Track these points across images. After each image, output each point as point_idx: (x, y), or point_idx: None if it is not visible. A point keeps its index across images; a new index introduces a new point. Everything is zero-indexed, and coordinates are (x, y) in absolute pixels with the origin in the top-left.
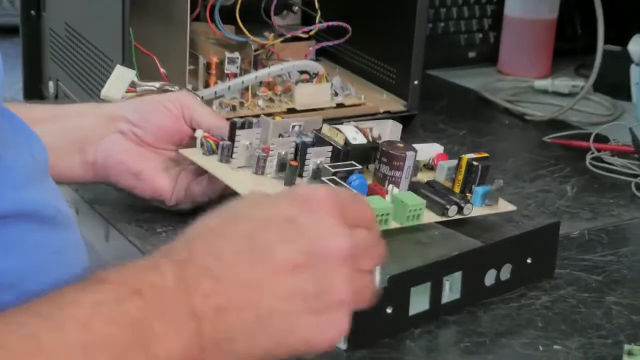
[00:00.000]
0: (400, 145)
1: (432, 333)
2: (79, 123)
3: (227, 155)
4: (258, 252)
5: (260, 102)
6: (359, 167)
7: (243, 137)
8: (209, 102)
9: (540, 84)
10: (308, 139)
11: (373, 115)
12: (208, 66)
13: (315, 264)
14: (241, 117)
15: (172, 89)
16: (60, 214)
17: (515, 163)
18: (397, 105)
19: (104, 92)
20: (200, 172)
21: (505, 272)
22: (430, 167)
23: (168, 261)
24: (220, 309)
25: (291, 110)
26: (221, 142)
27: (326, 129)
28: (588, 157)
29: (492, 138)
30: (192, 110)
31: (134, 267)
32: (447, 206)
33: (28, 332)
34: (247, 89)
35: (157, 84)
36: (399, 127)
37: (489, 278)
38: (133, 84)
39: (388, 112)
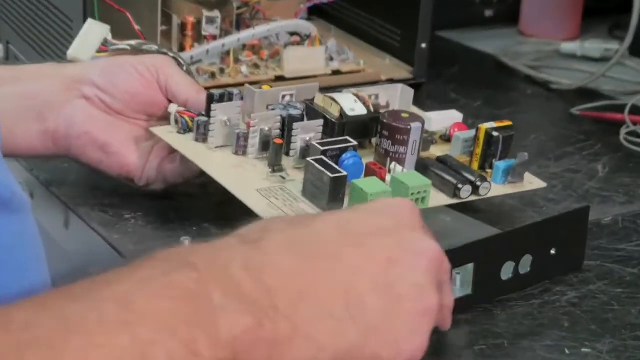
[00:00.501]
0: (405, 115)
1: (442, 334)
2: (36, 86)
3: (203, 133)
4: (351, 239)
5: (244, 69)
6: (354, 143)
7: (220, 112)
8: None
9: (568, 47)
10: (296, 112)
11: (374, 84)
12: (183, 27)
13: (409, 262)
14: (221, 86)
15: (150, 49)
16: (16, 198)
17: (539, 139)
18: (401, 72)
19: (72, 52)
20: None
21: (525, 264)
22: (447, 138)
23: (236, 240)
24: (304, 288)
25: (279, 78)
26: (197, 118)
27: (320, 99)
28: (623, 131)
29: (512, 110)
30: (169, 78)
31: (186, 247)
32: (460, 185)
33: (57, 313)
34: (228, 53)
35: (133, 42)
36: (410, 92)
37: (506, 271)
38: (105, 42)
39: (391, 79)
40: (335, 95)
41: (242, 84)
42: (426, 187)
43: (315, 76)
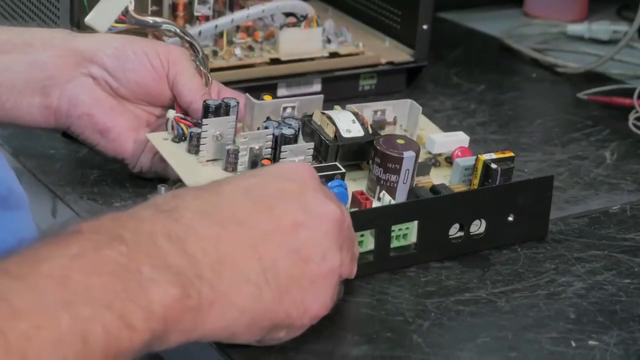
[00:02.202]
0: (401, 141)
1: (443, 326)
2: (44, 58)
3: (195, 145)
4: (260, 205)
5: (238, 51)
6: (342, 170)
7: (212, 127)
8: None
9: (575, 29)
10: (289, 132)
11: (373, 67)
12: (174, 7)
13: (314, 226)
14: (214, 69)
15: (169, 29)
16: (14, 195)
17: (545, 124)
18: (402, 54)
19: (90, 18)
20: None
21: (478, 228)
22: (451, 161)
23: (153, 210)
24: (223, 254)
25: (274, 61)
26: (190, 130)
27: (317, 116)
28: (631, 116)
29: (517, 94)
30: (178, 76)
31: (110, 217)
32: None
33: (0, 294)
34: (221, 34)
35: (155, 19)
36: (418, 108)
37: (455, 233)
38: (126, 12)
39: (391, 63)
40: (333, 114)
41: (235, 67)
42: (409, 224)
43: (312, 59)
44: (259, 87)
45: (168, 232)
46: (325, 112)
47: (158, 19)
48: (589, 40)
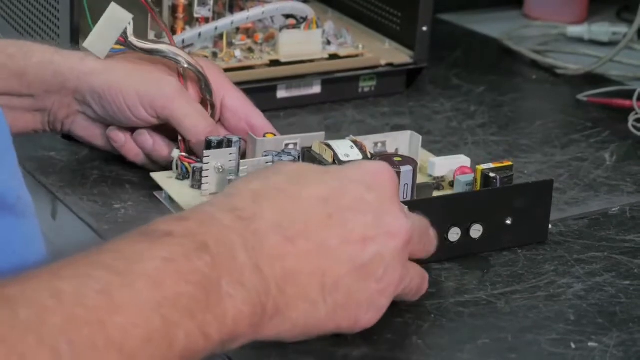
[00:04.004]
0: (398, 159)
1: (443, 328)
2: (45, 102)
3: (198, 179)
4: (335, 218)
5: (237, 53)
6: None
7: (213, 158)
8: None
9: (575, 30)
10: (288, 158)
11: (373, 69)
12: (174, 9)
13: (381, 242)
14: None
15: (170, 56)
16: (21, 202)
17: (544, 126)
18: (402, 56)
19: (88, 44)
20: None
21: (476, 230)
22: (453, 184)
23: (232, 216)
24: (289, 271)
25: (274, 63)
26: (193, 165)
27: (316, 145)
28: (631, 118)
29: (517, 96)
30: (170, 119)
31: (196, 219)
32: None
33: (101, 288)
34: (221, 36)
35: (158, 47)
36: (418, 138)
37: (453, 235)
38: (126, 37)
39: (391, 64)
40: (332, 142)
41: (235, 69)
42: None
43: (311, 60)
44: (259, 88)
45: (245, 243)
46: (325, 141)
47: (158, 47)
48: (589, 41)
